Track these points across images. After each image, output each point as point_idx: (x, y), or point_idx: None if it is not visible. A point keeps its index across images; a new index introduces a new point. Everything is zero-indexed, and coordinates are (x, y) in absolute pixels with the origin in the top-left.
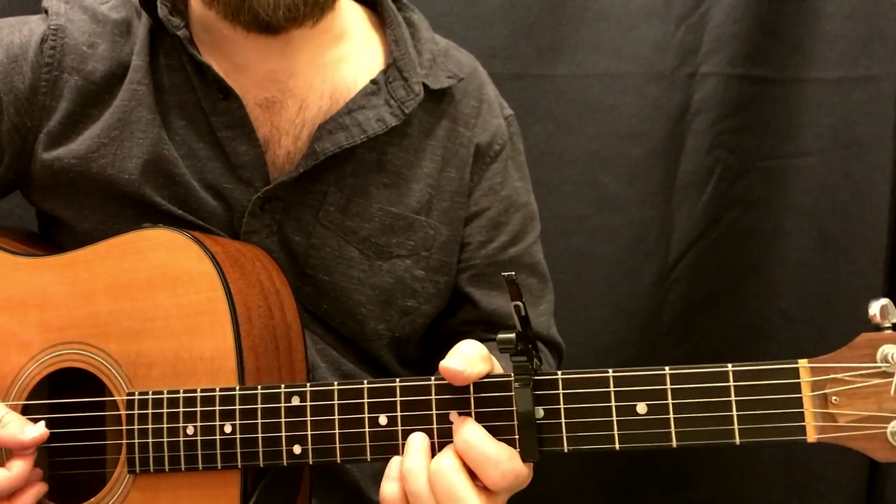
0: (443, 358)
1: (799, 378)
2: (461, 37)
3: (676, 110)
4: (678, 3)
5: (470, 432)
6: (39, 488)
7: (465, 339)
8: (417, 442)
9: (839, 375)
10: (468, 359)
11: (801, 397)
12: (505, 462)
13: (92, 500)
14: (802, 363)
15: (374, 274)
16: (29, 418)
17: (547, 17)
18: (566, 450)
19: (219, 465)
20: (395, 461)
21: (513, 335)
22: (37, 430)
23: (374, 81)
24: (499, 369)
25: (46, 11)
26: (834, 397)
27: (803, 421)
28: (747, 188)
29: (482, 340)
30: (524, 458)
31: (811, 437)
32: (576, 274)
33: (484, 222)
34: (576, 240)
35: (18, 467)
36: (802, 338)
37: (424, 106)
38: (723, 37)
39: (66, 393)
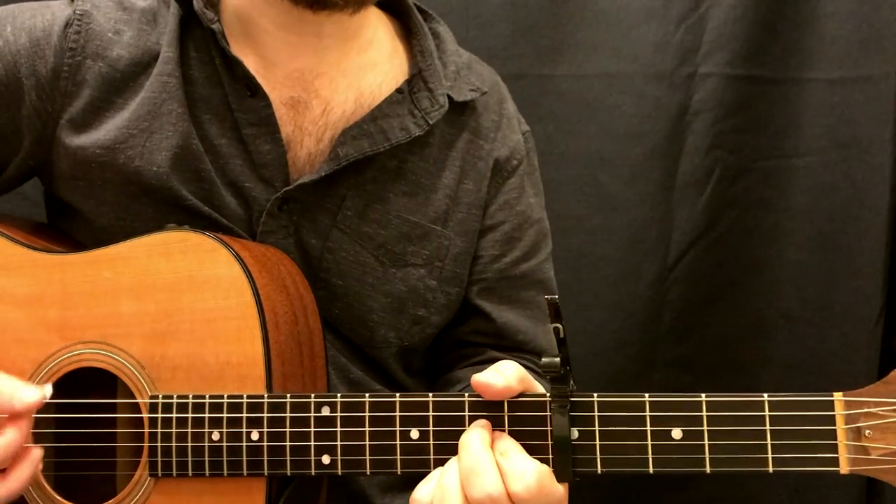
0: (448, 369)
1: (833, 411)
2: (461, 37)
3: (676, 110)
4: (678, 4)
5: (505, 443)
6: (35, 457)
7: (474, 350)
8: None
9: (873, 409)
10: (503, 375)
11: (835, 429)
12: (529, 474)
13: (111, 501)
14: (837, 396)
15: (388, 281)
16: (42, 417)
17: (547, 18)
18: (599, 471)
19: (245, 472)
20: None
21: (557, 360)
22: (31, 396)
23: (399, 90)
24: (539, 389)
25: None
26: (867, 430)
27: (836, 453)
28: (747, 188)
29: (494, 360)
30: (558, 479)
31: (843, 468)
32: (576, 274)
33: (498, 236)
34: (576, 240)
35: (11, 435)
36: (802, 338)
37: (446, 117)
38: (722, 37)
39: (76, 393)
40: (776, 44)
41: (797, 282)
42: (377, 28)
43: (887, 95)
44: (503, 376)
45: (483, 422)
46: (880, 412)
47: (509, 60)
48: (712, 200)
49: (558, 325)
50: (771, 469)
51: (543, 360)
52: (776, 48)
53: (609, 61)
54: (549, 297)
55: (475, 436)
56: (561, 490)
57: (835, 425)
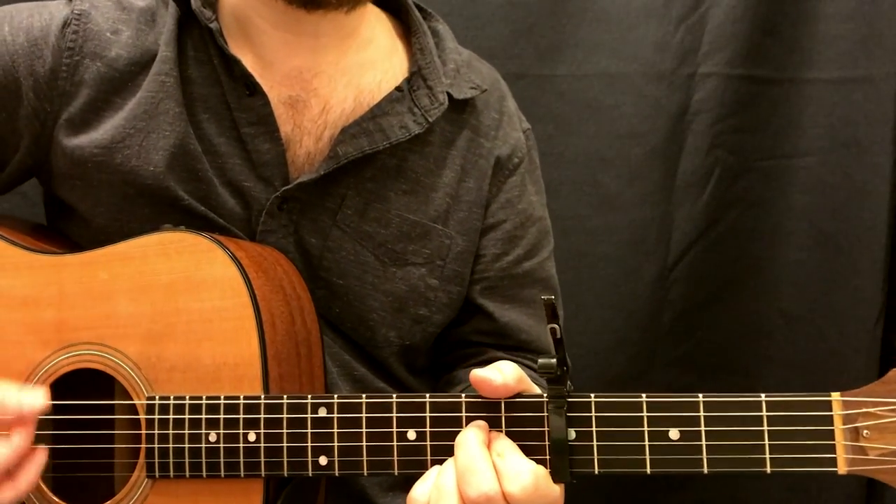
0: (450, 368)
1: (831, 411)
2: (461, 37)
3: (676, 110)
4: (678, 4)
5: (502, 443)
6: (40, 459)
7: (476, 350)
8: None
9: (871, 409)
10: (501, 373)
11: (832, 430)
12: (525, 475)
13: (109, 502)
14: (835, 396)
15: (388, 280)
16: (41, 419)
17: (547, 17)
18: (596, 472)
19: (242, 473)
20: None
21: (554, 361)
22: (38, 400)
23: (398, 88)
24: (536, 391)
25: None
26: (865, 431)
27: (834, 453)
28: (747, 188)
29: (495, 360)
30: (555, 480)
31: (841, 469)
32: (576, 274)
33: (500, 235)
34: (576, 240)
35: (20, 438)
36: (802, 338)
37: (446, 115)
38: (722, 37)
39: (74, 395)
40: (776, 44)
41: (797, 282)
42: (376, 27)
43: (887, 95)
44: (502, 374)
45: (480, 422)
46: (878, 412)
47: (509, 60)
48: (712, 200)
49: (555, 326)
50: (769, 469)
51: (540, 360)
52: (776, 48)
53: (609, 61)
54: (545, 297)
55: (472, 435)
56: (557, 491)
57: (833, 425)
